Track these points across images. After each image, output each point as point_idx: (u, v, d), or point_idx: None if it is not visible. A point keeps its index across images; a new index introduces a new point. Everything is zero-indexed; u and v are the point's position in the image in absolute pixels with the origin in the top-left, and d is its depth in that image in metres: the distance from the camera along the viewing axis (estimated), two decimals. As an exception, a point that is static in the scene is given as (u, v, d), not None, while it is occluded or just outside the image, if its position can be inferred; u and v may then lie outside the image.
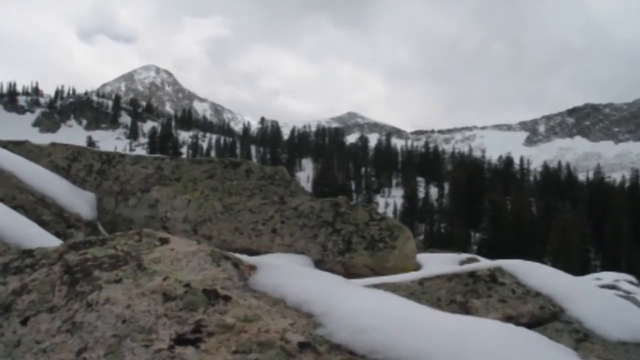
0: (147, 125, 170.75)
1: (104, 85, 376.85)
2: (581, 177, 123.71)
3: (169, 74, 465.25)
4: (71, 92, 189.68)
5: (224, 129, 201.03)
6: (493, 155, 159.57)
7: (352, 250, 7.61)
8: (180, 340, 2.26)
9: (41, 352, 2.35)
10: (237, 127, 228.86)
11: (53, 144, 8.91)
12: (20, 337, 2.46)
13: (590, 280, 18.76)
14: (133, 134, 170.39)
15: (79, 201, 7.81)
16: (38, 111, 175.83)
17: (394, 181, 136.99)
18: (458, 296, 4.83)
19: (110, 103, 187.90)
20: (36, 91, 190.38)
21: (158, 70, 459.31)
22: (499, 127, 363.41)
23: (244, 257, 3.05)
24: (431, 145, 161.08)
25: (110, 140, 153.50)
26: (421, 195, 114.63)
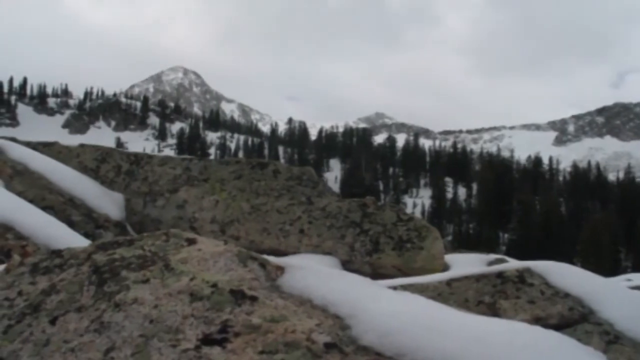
0: (175, 126, 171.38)
1: (132, 87, 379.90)
2: (611, 177, 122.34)
3: (197, 75, 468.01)
4: (100, 93, 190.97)
5: (251, 130, 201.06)
6: (522, 155, 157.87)
7: (380, 251, 7.59)
8: (207, 340, 2.26)
9: (69, 352, 2.37)
10: (265, 128, 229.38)
11: (82, 145, 9.00)
12: (49, 336, 2.48)
13: (620, 282, 18.53)
14: (161, 135, 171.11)
15: (107, 202, 7.88)
16: (67, 113, 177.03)
17: (422, 181, 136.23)
18: (486, 297, 4.80)
19: (139, 104, 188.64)
20: (65, 93, 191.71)
21: (186, 72, 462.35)
22: (527, 126, 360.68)
23: (271, 258, 3.05)
24: (459, 146, 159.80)
25: (138, 141, 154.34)
26: (449, 195, 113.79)
